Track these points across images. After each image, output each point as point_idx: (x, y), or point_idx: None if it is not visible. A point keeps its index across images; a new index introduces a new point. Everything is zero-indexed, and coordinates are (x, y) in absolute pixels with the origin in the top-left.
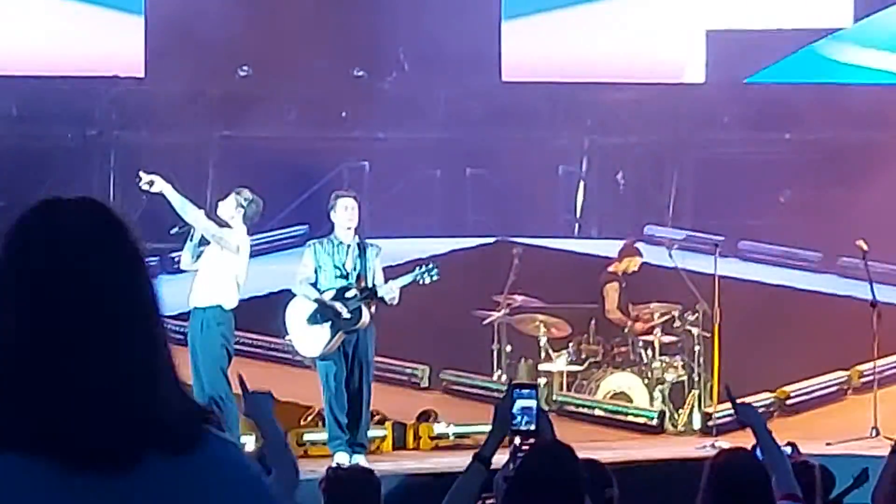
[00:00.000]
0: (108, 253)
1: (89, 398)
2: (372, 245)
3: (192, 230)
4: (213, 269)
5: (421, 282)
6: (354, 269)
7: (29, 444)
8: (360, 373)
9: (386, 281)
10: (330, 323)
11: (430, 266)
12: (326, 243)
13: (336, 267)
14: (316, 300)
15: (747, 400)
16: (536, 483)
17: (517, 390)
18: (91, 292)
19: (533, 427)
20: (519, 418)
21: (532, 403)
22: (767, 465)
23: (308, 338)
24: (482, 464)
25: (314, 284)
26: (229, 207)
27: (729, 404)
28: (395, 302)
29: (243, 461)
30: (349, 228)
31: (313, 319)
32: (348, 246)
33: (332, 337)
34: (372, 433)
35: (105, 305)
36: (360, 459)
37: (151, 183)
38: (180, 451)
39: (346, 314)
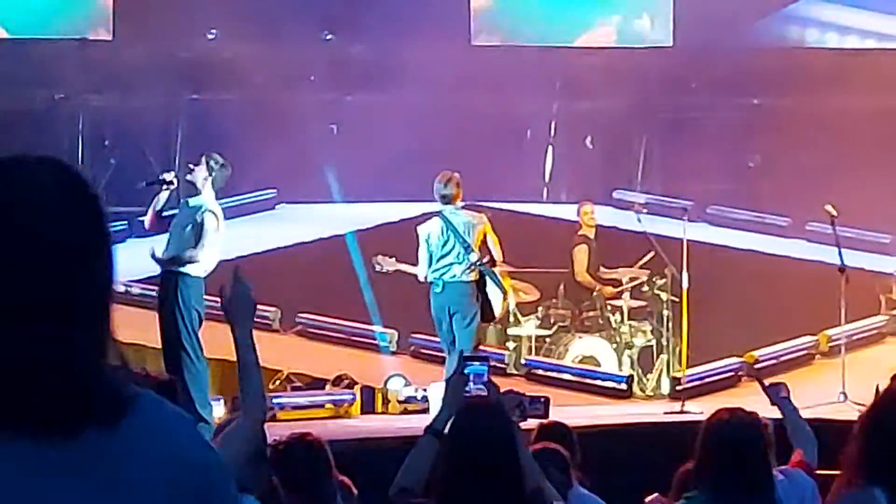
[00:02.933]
0: (70, 215)
1: (39, 365)
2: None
3: (161, 187)
4: (186, 235)
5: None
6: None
7: None
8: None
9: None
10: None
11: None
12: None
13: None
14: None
15: (716, 365)
16: (468, 440)
17: (468, 362)
18: (49, 254)
19: (484, 392)
20: (471, 385)
21: (483, 370)
22: (792, 440)
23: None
24: (434, 436)
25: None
26: (201, 172)
27: (700, 368)
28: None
29: (179, 421)
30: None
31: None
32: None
33: None
34: (340, 397)
35: (64, 270)
36: None
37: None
38: (118, 418)
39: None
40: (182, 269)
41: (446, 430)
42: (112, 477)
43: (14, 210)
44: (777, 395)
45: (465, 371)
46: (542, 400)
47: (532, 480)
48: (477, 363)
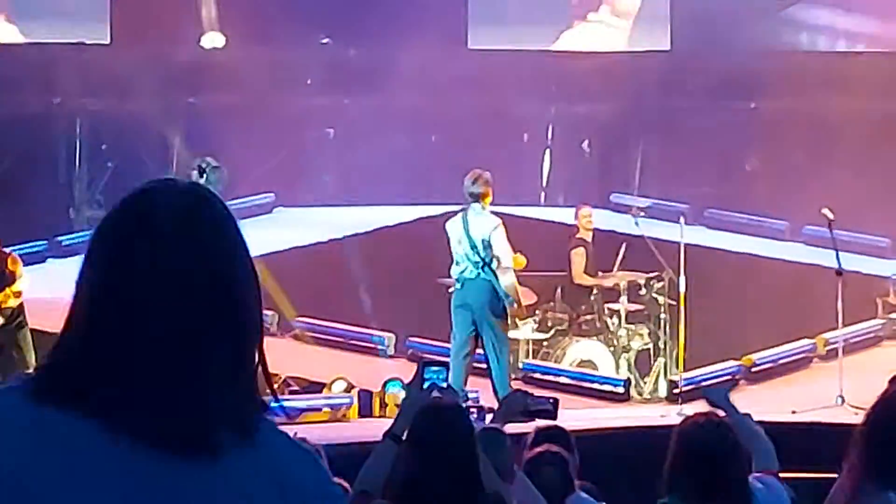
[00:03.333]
0: (208, 241)
1: (184, 385)
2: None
3: None
4: None
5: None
6: None
7: (116, 418)
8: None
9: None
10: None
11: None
12: None
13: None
14: None
15: (713, 368)
16: (425, 444)
17: (427, 367)
18: (191, 279)
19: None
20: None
21: (440, 377)
22: (749, 447)
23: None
24: (393, 441)
25: None
26: (193, 176)
27: (697, 372)
28: None
29: (300, 449)
30: None
31: None
32: None
33: None
34: (338, 401)
35: (202, 294)
36: None
37: None
38: (246, 443)
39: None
40: None
41: (405, 435)
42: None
43: (157, 236)
44: (720, 398)
45: (425, 377)
46: (551, 401)
47: (492, 483)
48: (435, 368)
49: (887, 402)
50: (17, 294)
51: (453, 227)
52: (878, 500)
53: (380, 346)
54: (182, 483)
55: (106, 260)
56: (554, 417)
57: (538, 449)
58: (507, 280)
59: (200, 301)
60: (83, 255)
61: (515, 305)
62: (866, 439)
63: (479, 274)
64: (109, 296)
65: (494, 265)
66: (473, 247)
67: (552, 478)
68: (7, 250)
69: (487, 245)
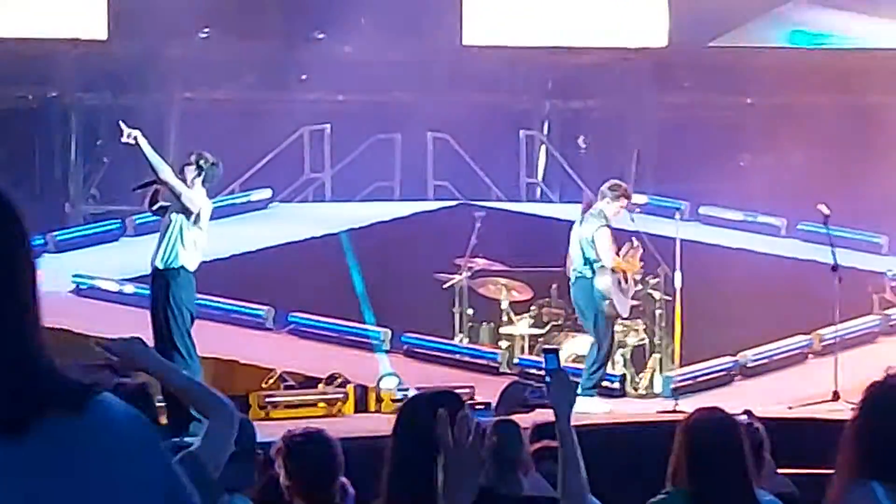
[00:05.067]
0: None
1: None
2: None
3: (152, 186)
4: (175, 231)
5: None
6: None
7: None
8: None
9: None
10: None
11: None
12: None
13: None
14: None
15: (709, 364)
16: (414, 434)
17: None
18: None
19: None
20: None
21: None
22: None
23: (623, 302)
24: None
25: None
26: (191, 171)
27: (693, 367)
28: None
29: (135, 420)
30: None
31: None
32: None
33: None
34: (333, 396)
35: None
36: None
37: (133, 137)
38: (68, 415)
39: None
40: (173, 266)
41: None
42: (65, 472)
43: None
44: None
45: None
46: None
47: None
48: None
49: (875, 393)
50: None
51: (574, 228)
52: (863, 489)
53: (375, 342)
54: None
55: None
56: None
57: (538, 444)
58: (602, 281)
59: None
60: None
61: (608, 305)
62: (855, 429)
63: (581, 273)
64: None
65: (597, 265)
66: (581, 247)
67: (551, 471)
68: None
69: (590, 245)
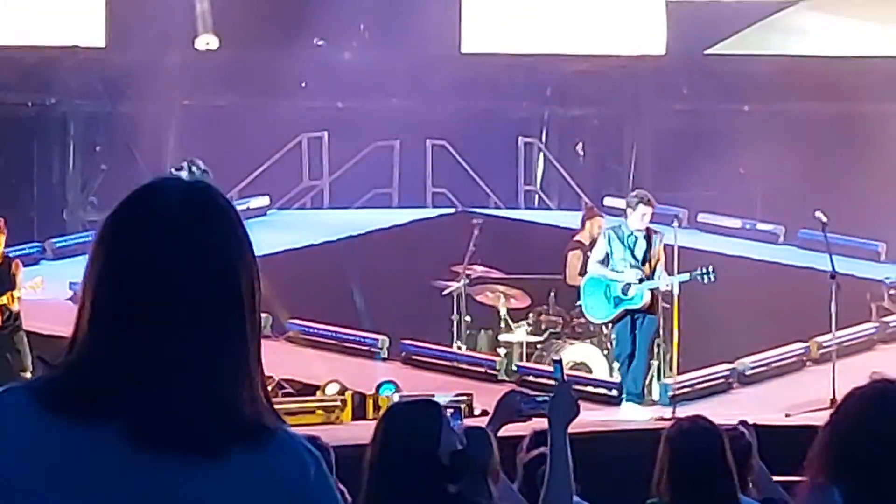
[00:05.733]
0: (206, 239)
1: (175, 366)
2: (657, 233)
3: None
4: None
5: (701, 281)
6: (643, 255)
7: (111, 417)
8: (640, 348)
9: (665, 266)
10: (615, 299)
11: (710, 268)
12: (619, 230)
13: (627, 251)
14: (604, 278)
15: (707, 371)
16: (392, 443)
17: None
18: (189, 276)
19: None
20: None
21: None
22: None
23: (597, 307)
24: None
25: (605, 264)
26: (182, 176)
27: (691, 375)
28: (670, 290)
29: (309, 457)
30: (641, 229)
31: (603, 294)
32: (637, 236)
33: (615, 311)
34: (331, 403)
35: (201, 291)
36: (635, 406)
37: None
38: (256, 448)
39: (628, 295)
40: None
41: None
42: (253, 496)
43: (156, 232)
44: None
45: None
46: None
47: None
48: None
49: (848, 399)
50: (19, 299)
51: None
52: (824, 495)
53: (374, 349)
54: (178, 485)
55: (121, 249)
56: None
57: (535, 452)
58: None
59: (211, 290)
60: (90, 253)
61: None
62: (826, 436)
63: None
64: (124, 283)
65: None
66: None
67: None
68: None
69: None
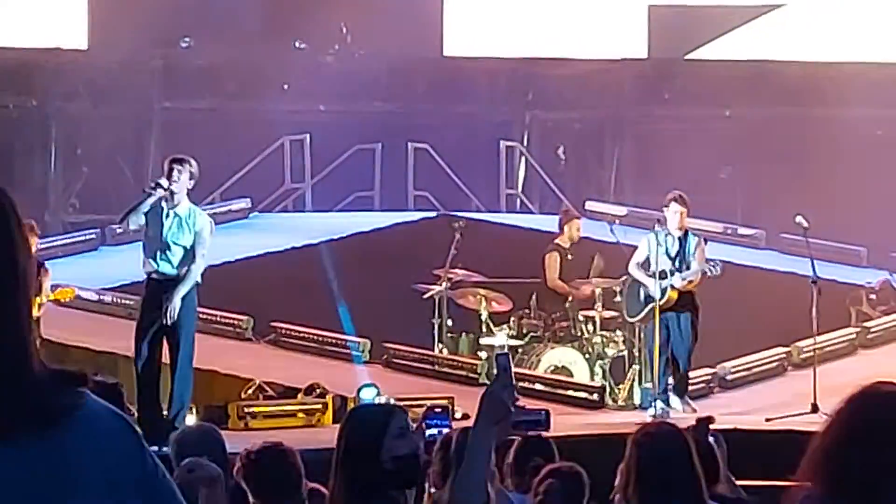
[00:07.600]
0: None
1: None
2: (694, 235)
3: (152, 195)
4: (185, 243)
5: (708, 274)
6: (675, 255)
7: None
8: (674, 345)
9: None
10: (645, 297)
11: (716, 262)
12: (660, 233)
13: (666, 253)
14: (637, 279)
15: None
16: (341, 446)
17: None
18: None
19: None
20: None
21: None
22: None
23: (631, 306)
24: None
25: (644, 266)
26: (185, 178)
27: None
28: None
29: (119, 428)
30: (679, 228)
31: (637, 293)
32: (675, 237)
33: (645, 308)
34: (312, 406)
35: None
36: (676, 400)
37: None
38: (50, 425)
39: (655, 293)
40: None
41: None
42: (51, 481)
43: None
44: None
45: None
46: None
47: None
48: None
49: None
50: (41, 305)
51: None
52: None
53: (354, 352)
54: None
55: None
56: (546, 429)
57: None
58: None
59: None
60: None
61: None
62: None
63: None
64: None
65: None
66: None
67: (548, 489)
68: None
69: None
